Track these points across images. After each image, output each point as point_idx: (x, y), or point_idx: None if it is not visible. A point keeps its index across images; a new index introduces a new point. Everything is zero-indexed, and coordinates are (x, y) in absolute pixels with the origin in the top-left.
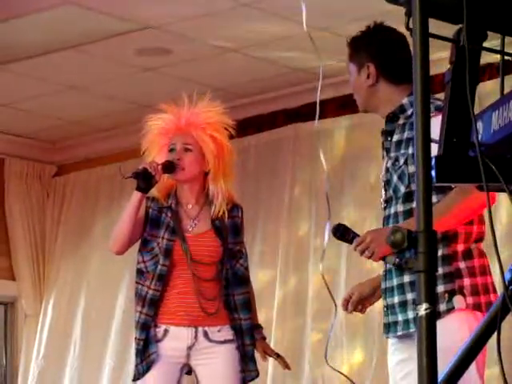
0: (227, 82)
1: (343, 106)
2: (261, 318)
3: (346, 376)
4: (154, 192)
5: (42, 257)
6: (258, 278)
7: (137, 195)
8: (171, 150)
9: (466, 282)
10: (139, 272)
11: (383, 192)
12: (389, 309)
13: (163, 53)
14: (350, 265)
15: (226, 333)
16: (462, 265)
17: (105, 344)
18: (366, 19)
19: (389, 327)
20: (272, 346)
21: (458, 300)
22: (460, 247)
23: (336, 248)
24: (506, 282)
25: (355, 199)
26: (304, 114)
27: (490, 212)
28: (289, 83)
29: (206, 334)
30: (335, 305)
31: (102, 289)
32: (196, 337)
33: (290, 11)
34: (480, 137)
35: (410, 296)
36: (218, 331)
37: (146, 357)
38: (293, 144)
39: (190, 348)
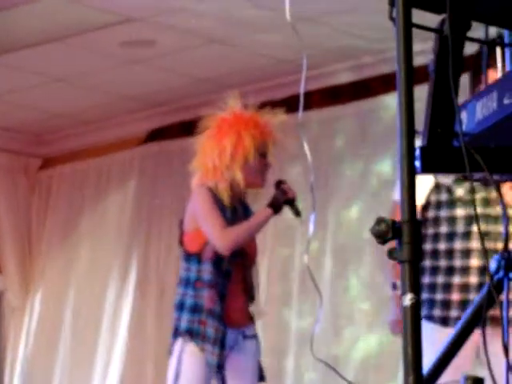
0: (212, 73)
1: (328, 97)
2: None
3: (331, 367)
4: (223, 194)
5: (29, 250)
6: None
7: (271, 216)
8: (263, 155)
9: None
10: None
11: None
12: None
13: (147, 44)
14: (336, 256)
15: (254, 328)
16: None
17: (95, 337)
18: (352, 10)
19: None
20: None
21: None
22: None
23: (321, 240)
24: (491, 272)
25: (340, 190)
26: (289, 104)
27: (474, 201)
28: (274, 74)
29: (243, 332)
30: (320, 296)
31: (90, 283)
32: (238, 339)
33: (275, 0)
34: (464, 127)
35: None
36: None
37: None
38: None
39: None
